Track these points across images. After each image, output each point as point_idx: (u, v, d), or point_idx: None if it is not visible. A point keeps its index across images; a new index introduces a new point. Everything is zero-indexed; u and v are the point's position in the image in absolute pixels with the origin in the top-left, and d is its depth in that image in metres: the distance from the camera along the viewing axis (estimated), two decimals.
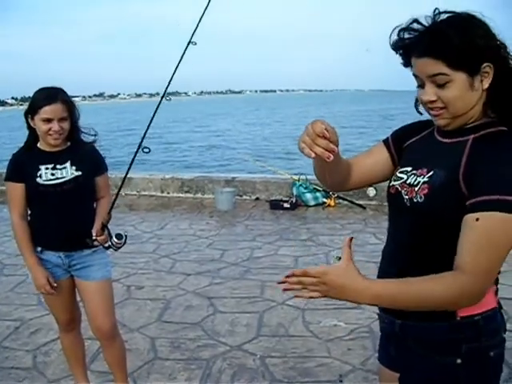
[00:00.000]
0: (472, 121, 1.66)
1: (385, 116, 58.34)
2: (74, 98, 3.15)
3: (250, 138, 37.85)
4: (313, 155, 1.54)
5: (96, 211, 3.21)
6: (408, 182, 1.75)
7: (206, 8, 2.87)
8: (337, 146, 1.57)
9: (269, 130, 40.51)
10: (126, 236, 3.07)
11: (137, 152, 3.06)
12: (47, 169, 3.06)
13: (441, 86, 1.59)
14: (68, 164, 3.10)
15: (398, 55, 1.69)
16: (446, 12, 1.62)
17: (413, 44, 1.62)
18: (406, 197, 1.73)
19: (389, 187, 1.86)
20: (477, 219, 1.50)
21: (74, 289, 3.30)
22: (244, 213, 8.94)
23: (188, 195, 10.28)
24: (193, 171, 15.22)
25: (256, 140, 35.74)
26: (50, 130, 2.97)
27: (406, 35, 1.63)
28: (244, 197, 9.88)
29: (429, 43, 1.58)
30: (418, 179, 1.71)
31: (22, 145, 3.21)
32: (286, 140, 32.71)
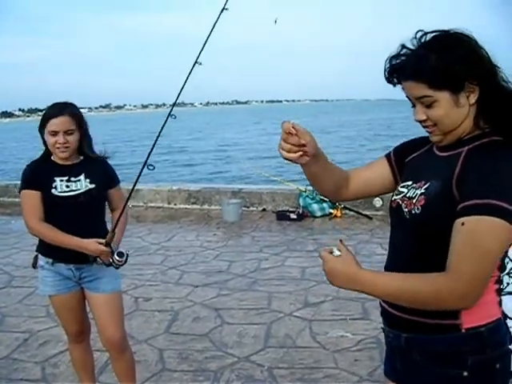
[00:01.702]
0: (465, 134, 1.71)
1: (388, 125, 58.51)
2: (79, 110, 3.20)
3: (256, 147, 37.86)
4: (284, 154, 1.73)
5: (112, 224, 3.25)
6: (408, 195, 1.80)
7: (213, 28, 2.91)
8: (311, 147, 1.74)
9: (274, 140, 40.48)
10: (127, 254, 3.09)
11: (142, 169, 3.09)
12: (62, 181, 3.11)
13: (428, 106, 1.67)
14: (82, 177, 3.15)
15: (390, 83, 1.77)
16: (432, 32, 1.68)
17: (400, 68, 1.70)
18: (406, 209, 1.78)
19: (391, 201, 1.92)
20: (462, 223, 1.54)
21: (84, 300, 3.33)
22: (251, 224, 8.96)
23: (195, 206, 10.31)
24: (199, 182, 15.27)
25: (262, 150, 35.75)
26: (56, 142, 3.03)
27: (395, 61, 1.72)
28: (251, 208, 9.91)
29: (411, 67, 1.66)
30: (416, 191, 1.76)
31: (34, 157, 3.26)
32: None
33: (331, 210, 9.15)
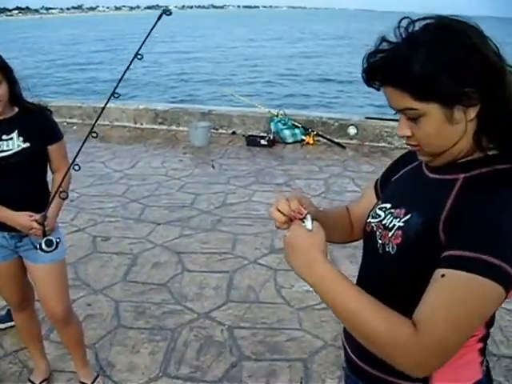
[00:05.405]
0: (461, 155, 1.32)
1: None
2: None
3: (229, 60, 36.69)
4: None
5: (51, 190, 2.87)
6: (384, 222, 1.45)
7: None
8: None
9: (247, 53, 39.10)
10: (57, 243, 2.65)
11: (109, 99, 2.55)
12: None
13: (414, 119, 1.27)
14: (15, 134, 2.73)
15: (372, 87, 1.32)
16: (422, 19, 1.24)
17: (378, 69, 1.27)
18: (380, 241, 1.44)
19: (366, 223, 1.57)
20: (442, 275, 1.19)
21: (24, 269, 3.00)
22: (219, 149, 8.62)
23: (162, 127, 9.92)
24: (168, 100, 14.70)
25: (235, 64, 34.64)
26: None
27: (373, 60, 1.27)
28: (220, 130, 9.55)
29: (389, 70, 1.25)
30: (394, 222, 1.41)
31: None
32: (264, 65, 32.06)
33: (303, 137, 8.82)
